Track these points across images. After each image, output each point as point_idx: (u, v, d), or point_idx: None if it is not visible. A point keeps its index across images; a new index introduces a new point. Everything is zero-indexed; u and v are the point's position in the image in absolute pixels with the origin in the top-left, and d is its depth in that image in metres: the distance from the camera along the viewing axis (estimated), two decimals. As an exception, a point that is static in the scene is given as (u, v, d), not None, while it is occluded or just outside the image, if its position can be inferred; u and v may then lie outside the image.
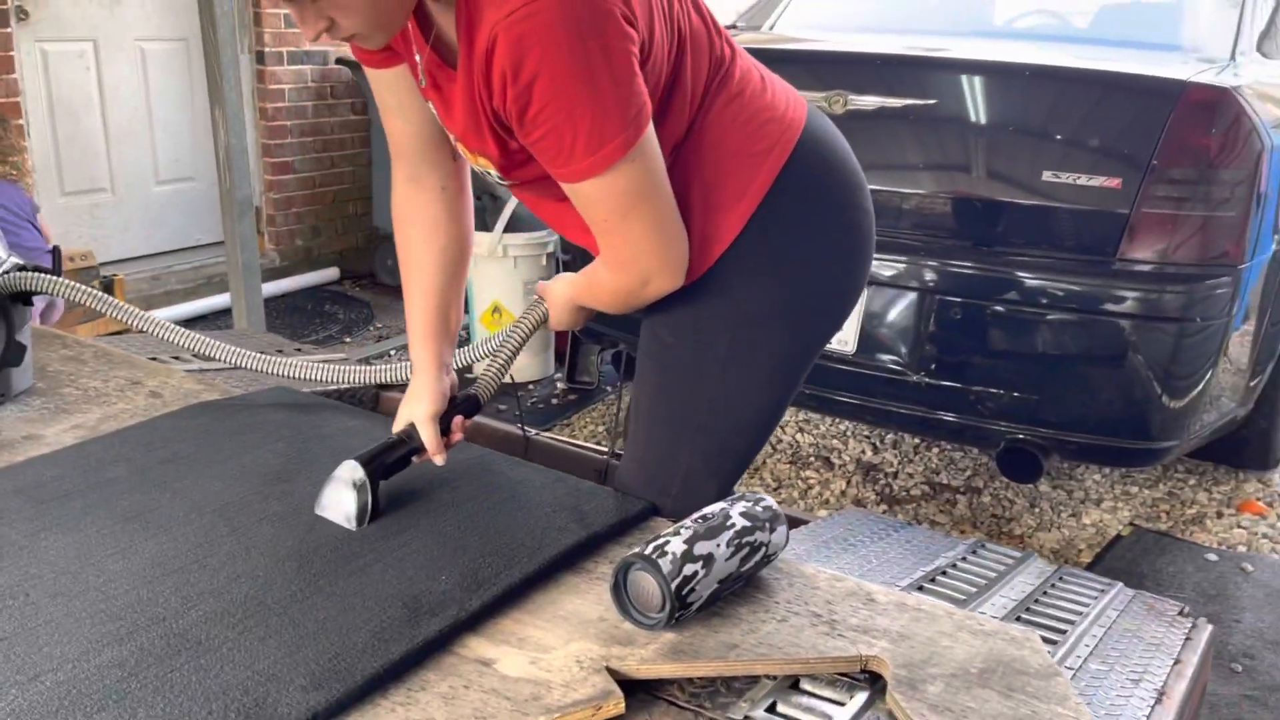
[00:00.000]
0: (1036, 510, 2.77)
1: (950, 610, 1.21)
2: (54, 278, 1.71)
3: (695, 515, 1.22)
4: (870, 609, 1.21)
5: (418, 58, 1.25)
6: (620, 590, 1.17)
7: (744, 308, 1.35)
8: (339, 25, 1.13)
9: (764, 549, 1.23)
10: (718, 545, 1.17)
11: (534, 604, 1.21)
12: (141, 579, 1.19)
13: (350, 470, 1.34)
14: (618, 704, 1.05)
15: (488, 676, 1.08)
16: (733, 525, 1.20)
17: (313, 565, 1.23)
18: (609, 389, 3.73)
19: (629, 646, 1.13)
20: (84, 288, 1.71)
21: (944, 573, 1.55)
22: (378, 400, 2.50)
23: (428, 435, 1.39)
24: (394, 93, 1.36)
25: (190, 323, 4.43)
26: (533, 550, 1.28)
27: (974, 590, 1.50)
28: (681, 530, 1.17)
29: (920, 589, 1.48)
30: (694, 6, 1.28)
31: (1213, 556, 2.57)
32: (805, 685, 1.12)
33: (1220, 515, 2.79)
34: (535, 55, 1.08)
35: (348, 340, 4.32)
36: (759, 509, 1.24)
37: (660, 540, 1.16)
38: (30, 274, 1.71)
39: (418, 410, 1.39)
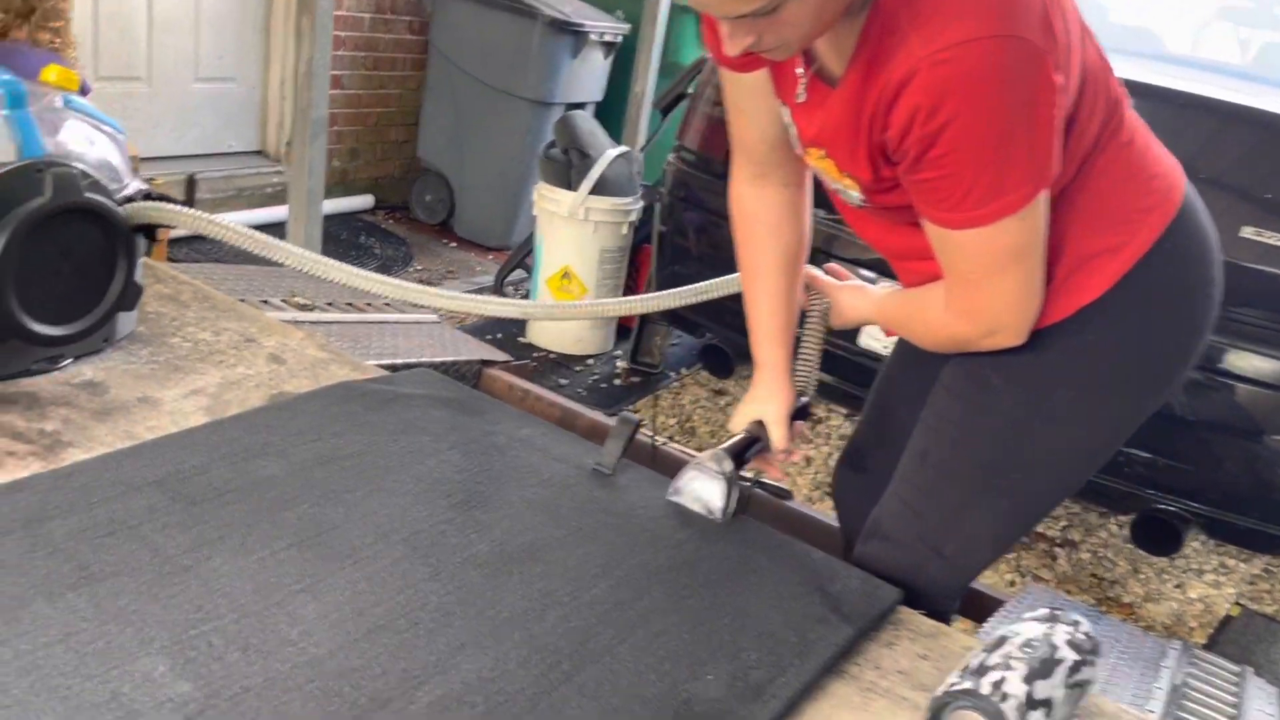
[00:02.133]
0: (1141, 576, 2.63)
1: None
2: (191, 211, 1.45)
3: (1009, 637, 1.02)
4: (1203, 774, 1.02)
5: (799, 71, 1.15)
6: (936, 726, 0.96)
7: (1095, 367, 1.20)
8: (764, 40, 1.03)
9: (1087, 688, 1.03)
10: (1055, 687, 0.97)
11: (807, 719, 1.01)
12: (344, 636, 0.97)
13: (718, 461, 1.31)
14: None
15: (792, 828, 0.88)
16: (1063, 660, 1.00)
17: (546, 640, 1.01)
18: (672, 374, 3.51)
19: (946, 799, 0.94)
20: (232, 225, 1.46)
21: (1184, 694, 1.37)
22: (480, 376, 2.27)
23: (779, 434, 1.38)
24: (751, 97, 1.28)
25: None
26: (798, 649, 1.07)
27: (1230, 725, 1.33)
28: (1012, 662, 0.97)
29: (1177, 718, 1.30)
30: (1092, 40, 1.09)
31: (1333, 652, 2.44)
32: None
33: (1329, 603, 2.67)
34: (956, 100, 0.98)
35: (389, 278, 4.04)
36: (1081, 636, 1.04)
37: (990, 671, 0.96)
38: (162, 204, 1.45)
39: (769, 410, 1.39)
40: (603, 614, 1.06)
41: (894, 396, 1.50)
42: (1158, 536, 2.25)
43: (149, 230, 1.49)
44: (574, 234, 3.34)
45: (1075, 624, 1.06)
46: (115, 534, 1.05)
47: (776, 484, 1.77)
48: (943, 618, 1.31)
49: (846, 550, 1.52)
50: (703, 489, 1.31)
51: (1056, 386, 1.20)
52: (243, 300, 1.95)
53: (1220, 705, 1.39)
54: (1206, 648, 2.39)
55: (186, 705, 0.85)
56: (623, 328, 3.59)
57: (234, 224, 1.48)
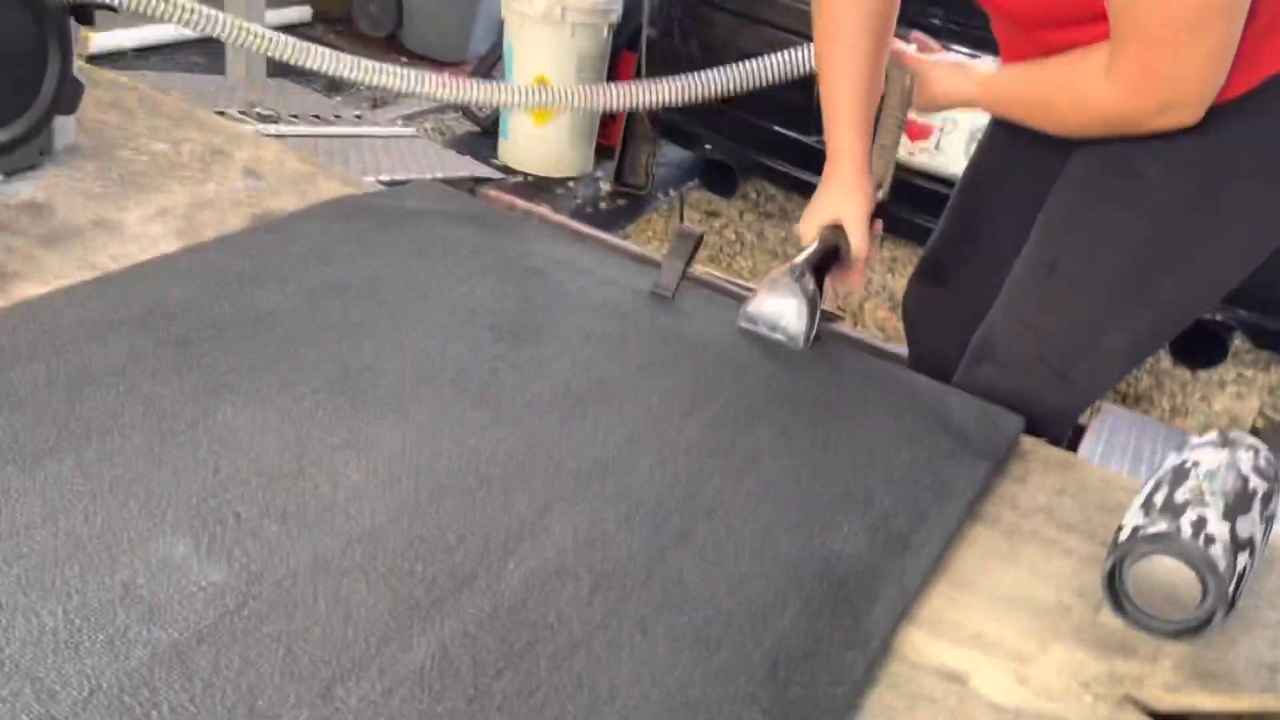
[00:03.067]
0: (1167, 392, 2.54)
1: None
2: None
3: (1188, 466, 0.86)
4: (1398, 613, 0.90)
5: None
6: (1117, 576, 0.81)
7: (1273, 151, 1.00)
8: None
9: (1273, 522, 0.89)
10: (1254, 523, 0.82)
11: (957, 574, 0.85)
12: (403, 500, 0.78)
13: (797, 277, 1.11)
14: (1177, 764, 0.72)
15: (972, 704, 0.73)
16: (1255, 492, 0.85)
17: (645, 493, 0.83)
18: (661, 196, 3.27)
19: (1133, 660, 0.79)
20: (198, 6, 1.18)
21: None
22: (472, 194, 2.02)
23: (860, 239, 1.16)
24: None
25: (143, 54, 3.72)
26: (934, 491, 0.90)
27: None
28: (1206, 497, 0.82)
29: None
30: None
31: (1361, 463, 2.39)
32: (1366, 729, 0.81)
33: (1347, 413, 2.62)
34: None
35: (337, 97, 3.69)
36: (1263, 462, 0.89)
37: (1185, 509, 0.80)
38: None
39: (849, 211, 1.16)
40: (703, 460, 0.88)
41: (987, 200, 1.30)
42: (1201, 347, 2.13)
43: (83, 11, 1.21)
44: (549, 38, 3.02)
45: (1254, 450, 0.90)
46: (94, 383, 0.84)
47: (825, 308, 1.59)
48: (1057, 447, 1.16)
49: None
50: (781, 313, 1.11)
51: (1230, 175, 1.01)
52: (220, 112, 1.67)
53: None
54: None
55: (223, 596, 0.66)
56: (604, 147, 3.32)
57: (206, 10, 1.21)
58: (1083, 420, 1.54)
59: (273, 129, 1.71)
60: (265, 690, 0.60)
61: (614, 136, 3.21)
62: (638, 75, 3.21)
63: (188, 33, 3.71)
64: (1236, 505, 0.82)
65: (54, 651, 0.61)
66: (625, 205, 3.17)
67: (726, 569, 0.77)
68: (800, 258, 1.14)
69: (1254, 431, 2.45)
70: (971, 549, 0.89)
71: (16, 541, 0.68)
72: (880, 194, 1.22)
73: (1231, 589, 0.77)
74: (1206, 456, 0.88)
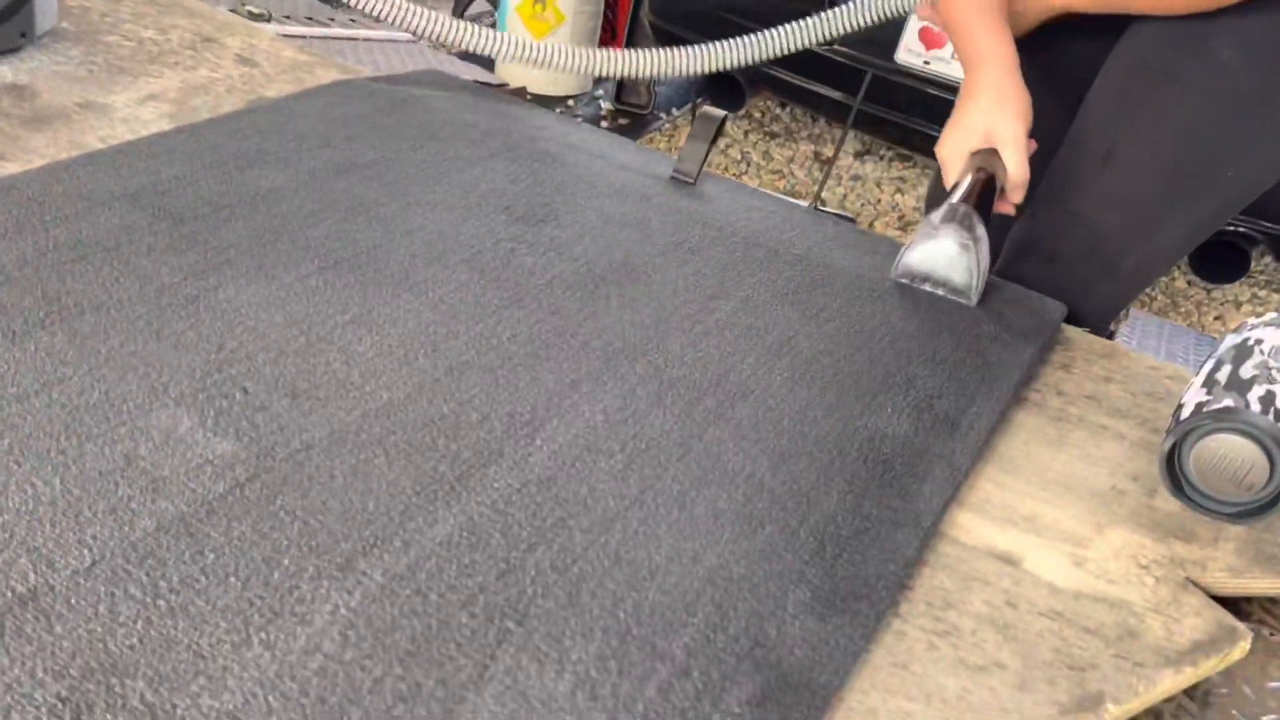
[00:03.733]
0: (1182, 310, 2.49)
1: None
2: None
3: (1251, 344, 0.81)
4: None
5: None
6: (1176, 458, 0.77)
7: None
8: None
9: (1331, 402, 0.84)
10: (1319, 399, 0.78)
11: (1005, 458, 0.81)
12: (421, 375, 0.73)
13: (960, 220, 0.94)
14: (1244, 648, 0.68)
15: (1028, 586, 0.69)
16: (1316, 367, 0.80)
17: (677, 372, 0.78)
18: (663, 115, 3.18)
19: (1193, 544, 0.75)
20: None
21: None
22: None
23: (1018, 162, 0.98)
24: None
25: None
26: (980, 371, 0.86)
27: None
28: (1273, 372, 0.77)
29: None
30: None
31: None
32: None
33: (1364, 331, 2.57)
34: None
35: (330, 17, 3.57)
36: (1318, 340, 0.84)
37: (1252, 385, 0.75)
38: None
39: (1003, 125, 0.97)
40: (734, 341, 0.83)
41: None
42: (1222, 261, 2.08)
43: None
44: (547, -51, 2.91)
45: (1306, 327, 0.85)
46: (86, 259, 0.78)
47: (838, 211, 1.53)
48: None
49: None
50: (945, 263, 0.96)
51: None
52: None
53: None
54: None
55: (233, 469, 0.61)
56: (604, 63, 3.22)
57: None
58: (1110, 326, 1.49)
59: (266, 28, 1.63)
60: (282, 562, 0.56)
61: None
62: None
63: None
64: (1301, 380, 0.77)
65: (51, 521, 0.56)
66: (626, 125, 3.08)
67: (767, 447, 0.72)
68: (957, 195, 0.97)
69: (1271, 348, 2.41)
70: (1018, 433, 0.84)
71: (7, 412, 0.63)
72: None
73: (1302, 466, 0.73)
74: (1270, 335, 0.83)
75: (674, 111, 3.22)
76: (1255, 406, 0.74)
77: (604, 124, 3.07)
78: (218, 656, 0.50)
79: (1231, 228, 2.03)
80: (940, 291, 0.96)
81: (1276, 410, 0.73)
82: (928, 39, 2.23)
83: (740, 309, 0.88)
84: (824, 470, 0.71)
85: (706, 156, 1.10)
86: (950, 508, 0.74)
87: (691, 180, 1.09)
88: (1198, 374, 0.82)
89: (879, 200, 2.90)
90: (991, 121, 0.98)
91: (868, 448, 0.74)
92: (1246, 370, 0.78)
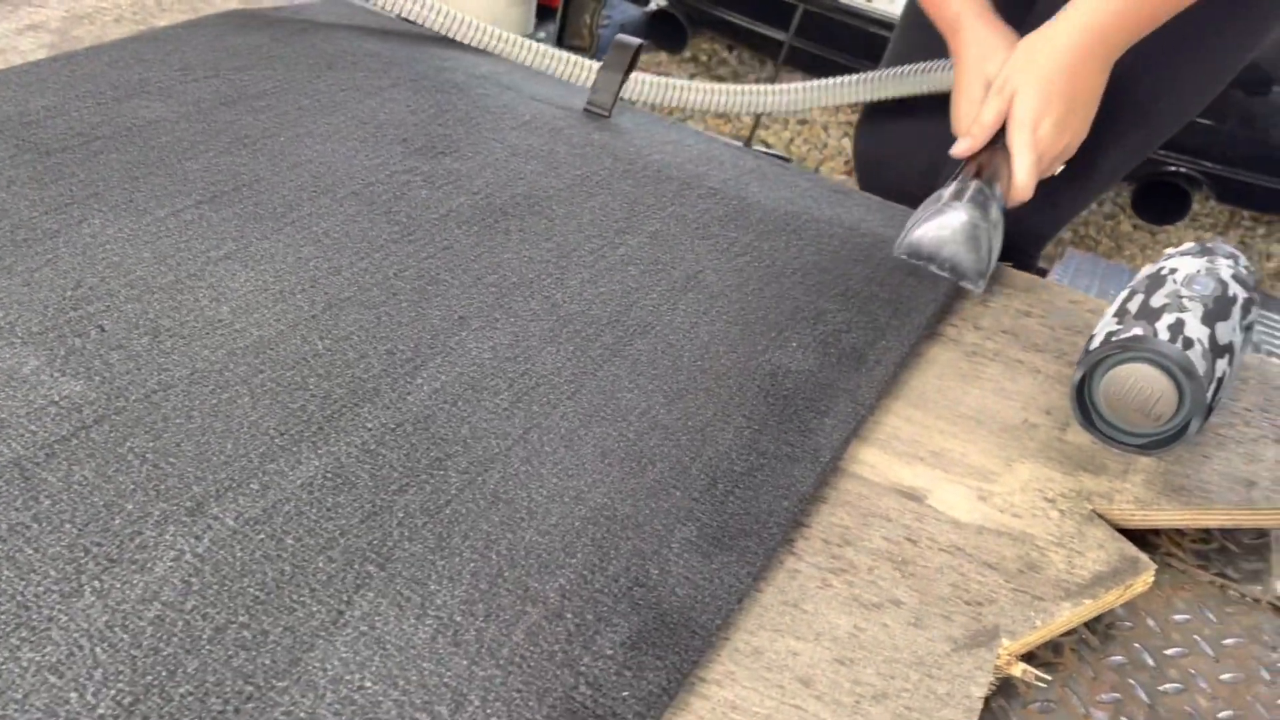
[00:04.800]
0: (1127, 254, 2.49)
1: None
2: None
3: (1164, 273, 0.79)
4: (1374, 428, 0.85)
5: None
6: (1086, 389, 0.75)
7: None
8: None
9: (1253, 332, 0.83)
10: (1233, 329, 0.76)
11: (915, 392, 0.79)
12: (297, 312, 0.69)
13: (973, 196, 0.87)
14: (1147, 580, 0.67)
15: (930, 522, 0.67)
16: (1235, 299, 0.78)
17: (573, 307, 0.75)
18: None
19: (1101, 476, 0.74)
20: None
21: (1258, 348, 1.20)
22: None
23: (1025, 171, 0.89)
24: None
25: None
26: (891, 305, 0.83)
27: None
28: (1185, 302, 0.75)
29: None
30: None
31: (1315, 320, 2.37)
32: (1340, 543, 0.77)
33: (1301, 272, 2.59)
34: None
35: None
36: (1243, 270, 0.82)
37: (1161, 314, 0.73)
38: None
39: (1018, 108, 0.89)
40: (638, 276, 0.80)
41: None
42: (1165, 203, 2.07)
43: None
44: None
45: (1234, 256, 0.84)
46: (-63, 192, 0.73)
47: (774, 151, 1.49)
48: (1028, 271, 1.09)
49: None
50: (955, 246, 0.88)
51: None
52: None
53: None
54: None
55: (80, 410, 0.57)
56: (546, 8, 3.14)
57: None
58: (1044, 264, 1.48)
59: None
60: (125, 508, 0.52)
61: (556, -6, 3.03)
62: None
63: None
64: (1216, 310, 0.75)
65: None
66: (569, 66, 3.02)
67: (664, 383, 0.69)
68: (973, 169, 0.91)
69: (1209, 289, 2.42)
70: (931, 368, 0.82)
71: None
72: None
73: (1210, 396, 0.71)
74: (1184, 264, 0.81)
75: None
76: (1164, 335, 0.72)
77: (545, 67, 3.00)
78: (43, 607, 0.47)
79: (1174, 169, 2.02)
80: (944, 274, 0.89)
81: (1185, 338, 0.72)
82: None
83: (647, 244, 0.84)
84: (722, 406, 0.68)
85: (621, 87, 1.06)
86: (855, 444, 0.72)
87: (606, 112, 1.05)
88: (1113, 303, 0.80)
89: (825, 144, 2.87)
90: (1024, 115, 0.89)
91: (769, 383, 0.71)
92: (1157, 299, 0.76)
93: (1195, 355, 0.71)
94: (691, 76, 3.11)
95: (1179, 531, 0.75)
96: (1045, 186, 1.05)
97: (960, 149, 0.93)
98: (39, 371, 0.59)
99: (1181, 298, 0.75)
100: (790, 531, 0.63)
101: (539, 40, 3.14)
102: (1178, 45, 0.99)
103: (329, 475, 0.57)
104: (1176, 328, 0.72)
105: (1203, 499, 0.73)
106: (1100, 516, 0.70)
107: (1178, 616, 0.69)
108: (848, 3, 2.20)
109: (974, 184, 0.89)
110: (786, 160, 1.45)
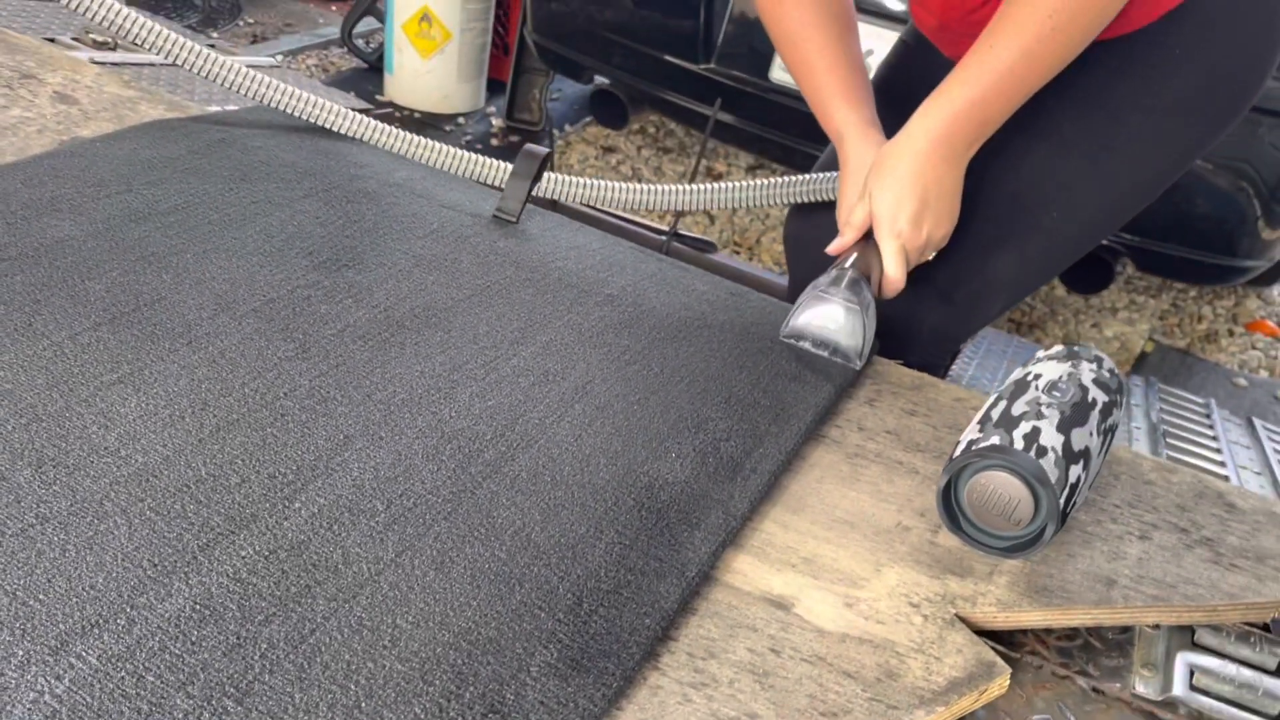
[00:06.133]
0: (1059, 319, 2.55)
1: (1333, 525, 0.90)
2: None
3: (1029, 379, 0.84)
4: (1240, 520, 0.88)
5: None
6: (952, 494, 0.78)
7: (1172, 86, 1.01)
8: None
9: (1114, 433, 0.87)
10: (1090, 434, 0.80)
11: (793, 498, 0.82)
12: (184, 437, 0.71)
13: (849, 283, 0.95)
14: (1003, 684, 0.69)
15: (795, 631, 0.69)
16: (1095, 404, 0.82)
17: (461, 424, 0.78)
18: (556, 132, 3.17)
19: (968, 579, 0.77)
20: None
21: (1165, 433, 1.25)
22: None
23: (894, 268, 0.99)
24: None
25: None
26: (772, 412, 0.86)
27: (1219, 459, 1.21)
28: (1043, 409, 0.79)
29: (1168, 458, 1.17)
30: None
31: (1243, 382, 2.44)
32: (1203, 639, 0.80)
33: (1231, 333, 2.66)
34: None
35: (214, 34, 3.50)
36: (1106, 374, 0.87)
37: (1020, 421, 0.77)
38: None
39: (883, 224, 0.99)
40: (528, 389, 0.83)
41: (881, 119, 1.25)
42: (1088, 274, 2.14)
43: None
44: (431, -32, 2.89)
45: (1098, 360, 0.88)
46: None
47: (698, 236, 1.54)
48: (933, 374, 1.14)
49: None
50: (833, 328, 0.96)
51: (1127, 109, 1.01)
52: (34, 36, 1.53)
53: (1202, 441, 1.28)
54: (1121, 385, 2.35)
55: (-48, 550, 0.59)
56: (496, 82, 3.21)
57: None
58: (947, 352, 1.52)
59: (108, 56, 1.59)
60: (-12, 649, 0.54)
61: (505, 71, 3.11)
62: (510, 7, 3.09)
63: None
64: (1074, 417, 0.79)
65: None
66: (518, 142, 3.08)
67: (541, 500, 0.72)
68: (849, 260, 1.00)
69: (1142, 356, 2.48)
70: (812, 471, 0.85)
71: None
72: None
73: (1063, 502, 0.75)
74: (1049, 369, 0.85)
75: (567, 128, 3.22)
76: (1019, 443, 0.75)
77: (494, 141, 3.06)
78: (-104, 758, 0.48)
79: (1093, 241, 2.08)
80: (824, 354, 0.97)
81: (1039, 446, 0.75)
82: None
83: (540, 354, 0.88)
84: (596, 522, 0.71)
85: (529, 194, 1.10)
86: (730, 552, 0.74)
87: (514, 219, 1.09)
88: (981, 409, 0.84)
89: (768, 215, 2.93)
90: (884, 213, 0.98)
91: (645, 496, 0.74)
92: (1018, 407, 0.80)
93: (1049, 463, 0.75)
94: (639, 149, 3.18)
95: (1047, 630, 0.78)
96: (938, 285, 1.10)
97: (834, 247, 1.01)
98: (-82, 509, 0.61)
99: (1040, 405, 0.79)
100: (656, 646, 0.65)
101: (489, 114, 3.21)
102: (1068, 161, 1.05)
103: (197, 607, 0.59)
104: (1032, 436, 0.76)
105: (1063, 599, 0.76)
106: (963, 620, 0.73)
107: (1037, 717, 0.71)
108: (780, 82, 2.27)
109: (849, 274, 0.97)
110: (709, 245, 1.49)
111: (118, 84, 1.29)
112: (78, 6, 1.13)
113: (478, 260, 1.00)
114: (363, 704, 0.55)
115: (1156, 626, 0.79)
